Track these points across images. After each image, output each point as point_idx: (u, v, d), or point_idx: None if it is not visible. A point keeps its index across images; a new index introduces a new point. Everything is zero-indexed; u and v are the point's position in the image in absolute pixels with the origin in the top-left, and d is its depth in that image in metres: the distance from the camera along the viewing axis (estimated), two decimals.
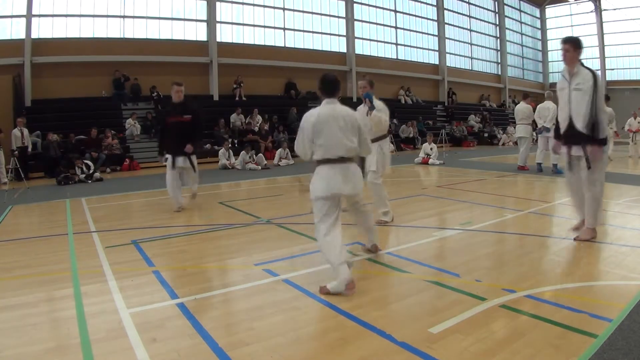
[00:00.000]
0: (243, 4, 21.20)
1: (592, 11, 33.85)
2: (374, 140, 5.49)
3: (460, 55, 30.94)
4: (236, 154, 14.49)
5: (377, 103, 5.87)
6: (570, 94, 4.79)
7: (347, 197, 4.10)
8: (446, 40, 29.41)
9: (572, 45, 4.77)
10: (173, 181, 7.28)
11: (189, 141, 7.17)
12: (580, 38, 4.95)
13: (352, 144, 3.92)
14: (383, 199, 5.99)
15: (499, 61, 33.82)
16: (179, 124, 7.15)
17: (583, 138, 4.72)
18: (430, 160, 14.13)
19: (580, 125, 4.72)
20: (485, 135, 26.13)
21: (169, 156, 7.28)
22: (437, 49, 29.24)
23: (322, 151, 3.86)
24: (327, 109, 3.96)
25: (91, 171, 12.35)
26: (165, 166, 7.37)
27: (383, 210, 6.01)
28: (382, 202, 6.00)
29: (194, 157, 7.45)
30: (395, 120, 23.29)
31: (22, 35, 15.87)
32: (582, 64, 4.79)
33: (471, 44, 31.69)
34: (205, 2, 19.98)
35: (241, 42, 21.16)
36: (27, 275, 4.19)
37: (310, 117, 3.89)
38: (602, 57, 33.83)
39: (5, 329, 3.04)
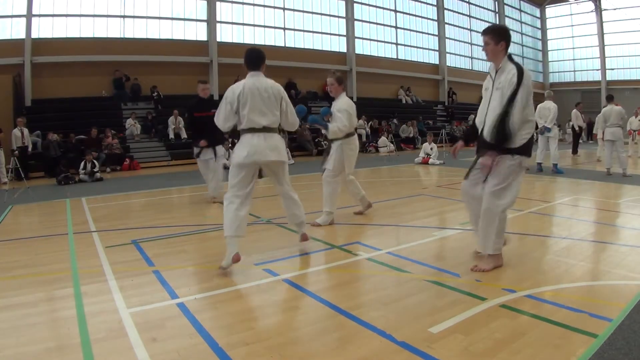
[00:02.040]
0: (243, 3, 21.21)
1: (592, 11, 33.86)
2: (334, 140, 5.87)
3: (460, 55, 30.97)
4: None
5: (343, 101, 5.81)
6: (492, 94, 4.00)
7: (271, 167, 4.33)
8: (446, 40, 29.44)
9: (493, 36, 3.96)
10: (203, 169, 7.89)
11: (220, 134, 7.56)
12: (506, 27, 4.20)
13: (274, 116, 4.21)
14: (330, 198, 5.87)
15: None
16: (206, 118, 7.26)
17: (486, 146, 3.94)
18: (431, 160, 14.13)
19: (485, 130, 3.97)
20: None
21: (197, 150, 7.75)
22: (437, 48, 29.27)
23: (246, 121, 4.13)
24: (252, 81, 4.19)
25: (96, 169, 12.39)
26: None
27: (326, 209, 5.88)
28: (327, 201, 5.88)
29: (219, 149, 7.94)
30: (395, 120, 23.31)
31: (22, 35, 15.88)
32: (510, 58, 3.96)
33: (471, 44, 31.72)
34: (206, 2, 20.00)
35: (241, 41, 21.16)
36: (27, 275, 4.19)
37: (236, 88, 4.14)
38: (602, 57, 33.83)
39: (5, 328, 3.04)
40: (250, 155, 4.12)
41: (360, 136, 21.51)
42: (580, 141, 19.83)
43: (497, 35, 3.96)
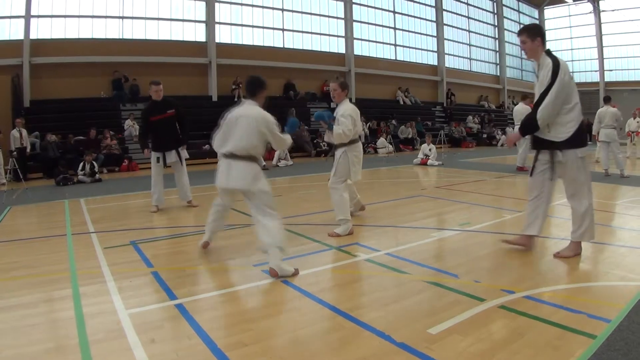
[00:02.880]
0: (242, 4, 21.19)
1: (590, 12, 33.91)
2: (339, 146, 5.73)
3: (459, 56, 30.97)
4: None
5: (347, 107, 5.69)
6: (537, 89, 4.23)
7: (240, 192, 4.45)
8: (445, 41, 29.43)
9: (528, 35, 4.22)
10: (158, 176, 7.50)
11: (180, 133, 7.60)
12: (538, 24, 4.46)
13: (244, 143, 4.22)
14: (340, 205, 5.60)
15: (498, 62, 33.87)
16: (165, 120, 7.38)
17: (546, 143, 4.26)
18: (429, 161, 14.14)
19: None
20: (484, 136, 26.16)
21: (158, 154, 7.48)
22: (435, 49, 29.26)
23: (223, 146, 4.34)
24: (241, 109, 4.36)
25: (95, 170, 12.38)
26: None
27: (339, 217, 5.59)
28: (339, 209, 5.61)
29: (183, 152, 7.70)
30: (394, 121, 23.33)
31: (21, 36, 15.84)
32: (548, 54, 4.19)
33: (470, 45, 31.72)
34: (204, 2, 19.98)
35: (240, 42, 21.16)
36: (25, 276, 4.19)
37: (228, 114, 4.35)
38: (601, 58, 33.88)
39: (4, 329, 3.03)
40: (217, 182, 4.41)
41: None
42: None
43: (532, 33, 4.21)
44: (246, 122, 4.23)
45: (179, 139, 7.60)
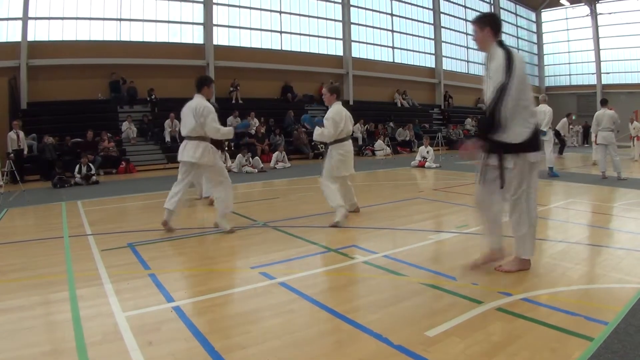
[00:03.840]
0: (240, 7, 21.23)
1: (587, 15, 34.02)
2: (327, 145, 6.37)
3: (456, 59, 31.06)
4: (232, 157, 14.48)
5: (332, 109, 6.19)
6: (487, 84, 3.77)
7: (190, 165, 5.72)
8: (442, 43, 29.52)
9: (477, 24, 3.93)
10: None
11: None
12: (492, 13, 3.81)
13: (190, 127, 5.61)
14: (330, 195, 6.18)
15: None
16: None
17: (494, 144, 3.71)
18: (427, 164, 14.16)
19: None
20: None
21: None
22: (433, 52, 29.37)
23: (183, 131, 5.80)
24: (190, 102, 5.72)
25: (92, 172, 12.35)
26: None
27: (332, 205, 6.12)
28: (330, 199, 6.17)
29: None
30: (391, 124, 23.36)
31: (18, 38, 15.85)
32: (499, 44, 3.78)
33: (467, 48, 31.81)
34: (202, 5, 20.01)
35: (238, 45, 21.19)
36: (22, 278, 4.17)
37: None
38: (598, 61, 34.00)
39: (1, 332, 3.02)
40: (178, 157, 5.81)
41: (356, 139, 21.57)
42: (575, 145, 20.29)
43: (482, 22, 3.89)
44: (189, 110, 5.64)
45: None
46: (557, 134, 18.77)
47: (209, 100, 5.83)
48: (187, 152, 5.61)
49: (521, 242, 3.93)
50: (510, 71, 3.57)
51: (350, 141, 6.41)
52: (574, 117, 25.08)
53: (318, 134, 6.17)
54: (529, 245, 3.92)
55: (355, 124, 21.95)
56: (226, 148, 13.10)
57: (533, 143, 3.70)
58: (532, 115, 3.74)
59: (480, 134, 3.82)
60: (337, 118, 6.10)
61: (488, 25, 3.85)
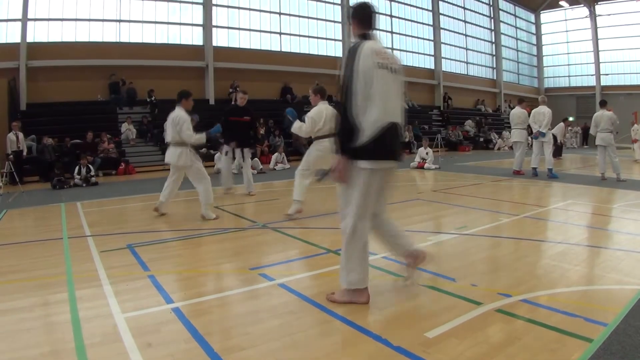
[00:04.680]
0: (239, 8, 21.22)
1: (586, 17, 34.04)
2: (310, 141, 6.85)
3: (455, 60, 31.06)
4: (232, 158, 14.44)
5: (313, 109, 6.58)
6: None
7: (176, 166, 6.81)
8: (442, 45, 29.53)
9: (349, 16, 3.53)
10: (229, 165, 9.30)
11: (252, 137, 9.53)
12: (362, 3, 3.48)
13: (170, 135, 6.62)
14: (298, 188, 6.71)
15: (495, 66, 33.97)
16: (240, 123, 8.98)
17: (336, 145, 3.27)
18: (426, 165, 14.16)
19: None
20: (481, 139, 26.22)
21: (227, 149, 9.14)
22: (432, 53, 29.36)
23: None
24: (172, 112, 6.65)
25: (91, 174, 12.34)
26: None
27: (295, 198, 6.71)
28: (296, 191, 6.73)
29: (247, 152, 9.19)
30: None
31: (18, 39, 15.82)
32: (362, 37, 3.39)
33: (467, 49, 31.82)
34: (202, 6, 20.00)
35: (237, 46, 21.18)
36: (21, 280, 4.17)
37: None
38: (597, 62, 34.00)
39: (0, 333, 3.02)
40: None
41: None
42: (575, 147, 20.38)
43: (350, 13, 3.50)
44: (169, 120, 6.60)
45: (248, 141, 9.23)
46: (553, 138, 18.86)
47: (188, 111, 6.70)
48: (169, 155, 6.74)
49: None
50: (352, 65, 3.16)
51: (330, 139, 6.20)
52: (571, 119, 25.16)
53: (297, 127, 6.58)
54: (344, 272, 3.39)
55: None
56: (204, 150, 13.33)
57: (371, 149, 3.16)
58: (374, 115, 3.14)
59: (341, 149, 3.21)
60: (316, 118, 6.47)
61: (353, 16, 3.45)
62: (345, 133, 3.16)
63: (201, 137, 6.69)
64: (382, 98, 3.16)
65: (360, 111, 3.12)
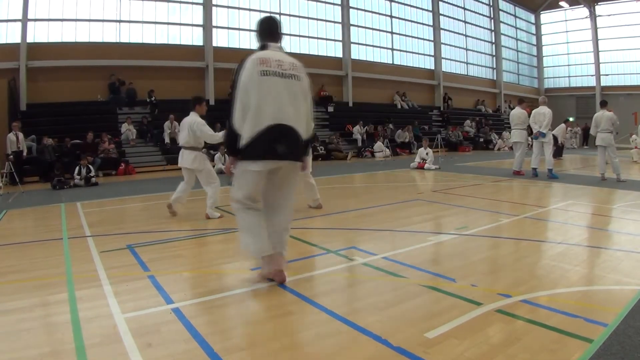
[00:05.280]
0: (239, 8, 21.24)
1: (586, 17, 34.05)
2: None
3: (455, 61, 31.07)
4: None
5: None
6: None
7: (189, 169, 6.96)
8: (442, 45, 29.54)
9: (256, 31, 3.96)
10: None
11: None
12: (264, 17, 4.01)
13: (184, 139, 6.85)
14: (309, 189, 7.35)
15: (495, 66, 33.98)
16: None
17: None
18: (426, 165, 14.16)
19: None
20: (481, 140, 26.23)
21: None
22: (432, 54, 29.37)
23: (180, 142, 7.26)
24: (185, 118, 6.89)
25: (91, 174, 12.35)
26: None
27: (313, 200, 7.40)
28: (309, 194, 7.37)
29: None
30: (391, 125, 23.38)
31: (18, 39, 15.83)
32: (260, 48, 3.81)
33: (467, 49, 31.83)
34: (202, 6, 20.01)
35: (237, 46, 21.17)
36: (21, 280, 4.17)
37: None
38: (597, 63, 34.01)
39: (0, 333, 3.02)
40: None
41: (356, 141, 21.59)
42: (575, 147, 20.49)
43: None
44: (185, 125, 6.83)
45: None
46: (554, 138, 18.92)
47: (202, 116, 6.89)
48: (184, 159, 6.88)
49: None
50: (236, 76, 3.58)
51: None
52: (571, 120, 25.18)
53: None
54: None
55: (354, 125, 22.03)
56: (226, 150, 13.27)
57: (246, 151, 3.56)
58: (255, 122, 3.52)
59: (228, 150, 3.75)
60: None
61: (255, 30, 3.92)
62: (229, 138, 3.63)
63: (217, 135, 6.89)
64: (263, 104, 3.52)
65: (241, 118, 3.53)
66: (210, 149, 15.66)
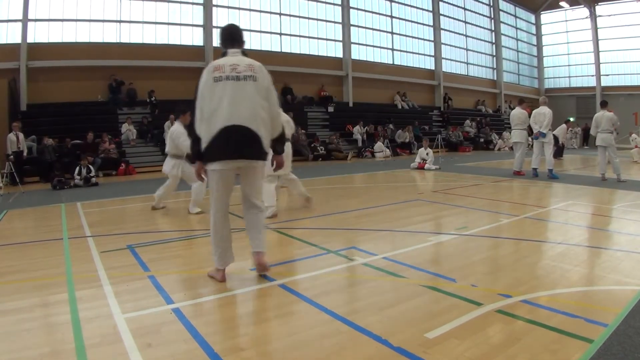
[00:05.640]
0: (239, 9, 21.23)
1: (587, 17, 34.04)
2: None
3: (456, 61, 31.06)
4: None
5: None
6: None
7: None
8: (442, 45, 29.54)
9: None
10: None
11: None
12: (226, 25, 4.19)
13: (168, 147, 7.41)
14: (265, 194, 6.81)
15: (495, 67, 33.98)
16: None
17: None
18: (426, 165, 14.16)
19: None
20: (481, 140, 26.23)
21: None
22: (433, 54, 29.36)
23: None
24: (172, 127, 7.38)
25: (91, 174, 12.35)
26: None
27: (266, 204, 7.02)
28: (265, 197, 6.98)
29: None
30: (391, 125, 23.38)
31: (18, 40, 15.82)
32: (222, 55, 4.07)
33: (467, 50, 31.82)
34: (202, 7, 20.01)
35: None
36: (21, 280, 4.17)
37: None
38: (597, 63, 34.01)
39: (0, 334, 3.02)
40: None
41: (356, 141, 21.59)
42: (575, 147, 20.59)
43: None
44: (168, 135, 7.35)
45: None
46: (555, 138, 18.96)
47: (186, 125, 6.77)
48: (165, 165, 7.52)
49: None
50: (196, 88, 3.90)
51: (288, 144, 6.74)
52: (572, 119, 25.20)
53: None
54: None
55: (354, 125, 22.04)
56: None
57: (206, 154, 3.81)
58: (210, 126, 3.75)
59: (192, 155, 4.06)
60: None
61: (220, 36, 4.12)
62: (192, 143, 3.93)
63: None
64: (218, 108, 3.73)
65: (200, 123, 3.79)
66: None
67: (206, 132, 3.75)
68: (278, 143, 4.10)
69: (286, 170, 6.97)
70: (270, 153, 4.10)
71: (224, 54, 3.99)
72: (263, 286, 3.86)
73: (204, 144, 3.77)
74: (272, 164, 4.17)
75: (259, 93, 3.83)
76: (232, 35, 4.08)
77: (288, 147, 6.71)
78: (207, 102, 3.76)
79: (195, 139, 3.86)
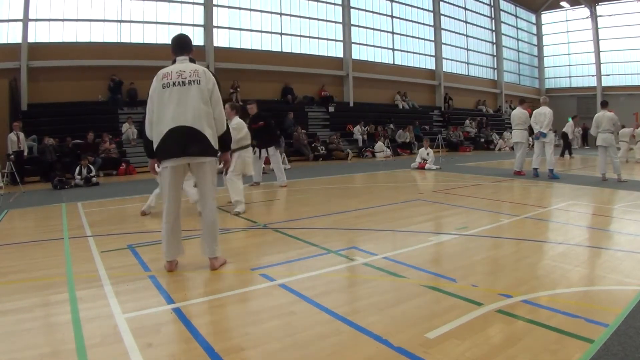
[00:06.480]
0: (240, 9, 21.23)
1: (587, 17, 34.04)
2: (234, 150, 7.26)
3: (456, 61, 31.07)
4: None
5: (237, 120, 7.55)
6: None
7: None
8: (443, 45, 29.54)
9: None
10: (256, 161, 10.12)
11: (270, 139, 10.59)
12: (177, 35, 4.89)
13: None
14: (234, 190, 7.37)
15: (495, 66, 33.98)
16: (258, 128, 10.14)
17: None
18: (427, 165, 14.15)
19: None
20: (482, 140, 26.22)
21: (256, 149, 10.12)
22: (433, 54, 29.37)
23: None
24: None
25: (92, 174, 12.35)
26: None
27: (236, 198, 7.32)
28: (235, 193, 7.37)
29: (272, 151, 10.59)
30: (391, 125, 23.39)
31: (19, 39, 15.83)
32: (172, 62, 4.54)
33: (467, 50, 31.82)
34: (203, 7, 20.01)
35: (238, 47, 21.18)
36: (22, 280, 4.17)
37: None
38: (598, 63, 34.02)
39: (0, 334, 3.02)
40: None
41: (356, 141, 21.60)
42: (575, 147, 20.67)
43: None
44: None
45: (268, 142, 10.43)
46: (564, 136, 18.98)
47: None
48: None
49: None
50: (148, 94, 4.21)
51: (250, 148, 7.95)
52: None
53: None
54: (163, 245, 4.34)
55: (355, 125, 22.04)
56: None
57: (158, 152, 4.16)
58: (160, 128, 4.10)
59: (146, 154, 4.36)
60: (237, 128, 7.35)
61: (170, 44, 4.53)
62: (145, 144, 4.29)
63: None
64: (165, 111, 4.07)
65: (150, 126, 4.16)
66: None
67: (156, 134, 4.10)
68: (222, 141, 4.34)
69: (231, 167, 7.13)
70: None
71: (174, 62, 4.40)
72: (263, 286, 3.86)
73: (155, 144, 4.13)
74: (219, 162, 4.49)
75: (203, 95, 4.14)
76: (181, 44, 4.61)
77: (248, 151, 7.69)
78: (156, 107, 4.12)
79: (146, 140, 4.23)
